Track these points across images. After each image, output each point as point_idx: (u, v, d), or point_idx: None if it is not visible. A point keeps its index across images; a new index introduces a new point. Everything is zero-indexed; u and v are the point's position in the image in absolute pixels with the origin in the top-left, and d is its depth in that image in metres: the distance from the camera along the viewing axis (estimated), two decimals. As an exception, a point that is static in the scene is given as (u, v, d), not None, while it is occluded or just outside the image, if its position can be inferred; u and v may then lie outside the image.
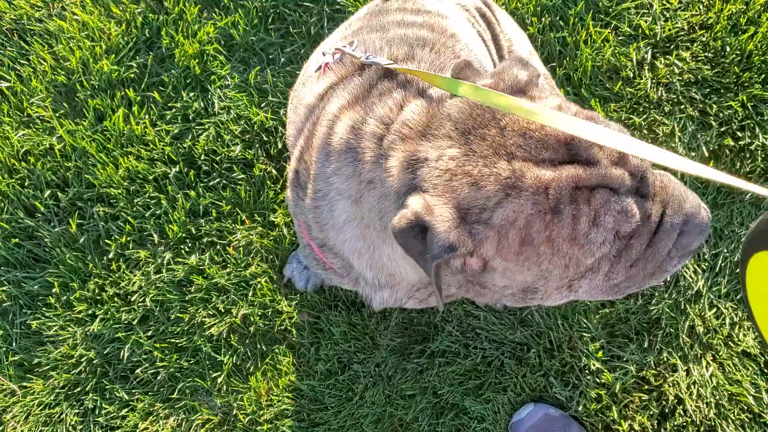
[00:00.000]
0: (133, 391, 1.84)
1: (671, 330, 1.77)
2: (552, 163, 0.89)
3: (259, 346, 1.84)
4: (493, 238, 0.90)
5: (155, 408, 1.83)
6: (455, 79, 1.00)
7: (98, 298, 1.90)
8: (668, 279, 1.78)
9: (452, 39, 1.29)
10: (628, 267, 0.96)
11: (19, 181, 1.97)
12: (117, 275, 1.90)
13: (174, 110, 2.00)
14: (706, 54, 1.91)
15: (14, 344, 1.89)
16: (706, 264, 1.80)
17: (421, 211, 0.89)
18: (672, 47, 1.93)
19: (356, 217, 1.07)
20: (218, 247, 1.90)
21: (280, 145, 1.95)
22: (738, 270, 1.79)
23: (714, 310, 1.78)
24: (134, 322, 1.86)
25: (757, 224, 0.79)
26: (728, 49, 1.88)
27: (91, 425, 1.83)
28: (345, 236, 1.11)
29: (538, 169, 0.88)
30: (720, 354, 1.76)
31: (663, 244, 0.95)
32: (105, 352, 1.86)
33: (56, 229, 1.94)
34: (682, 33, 1.93)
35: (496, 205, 0.88)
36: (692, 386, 1.74)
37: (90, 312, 1.88)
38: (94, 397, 1.84)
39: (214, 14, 2.09)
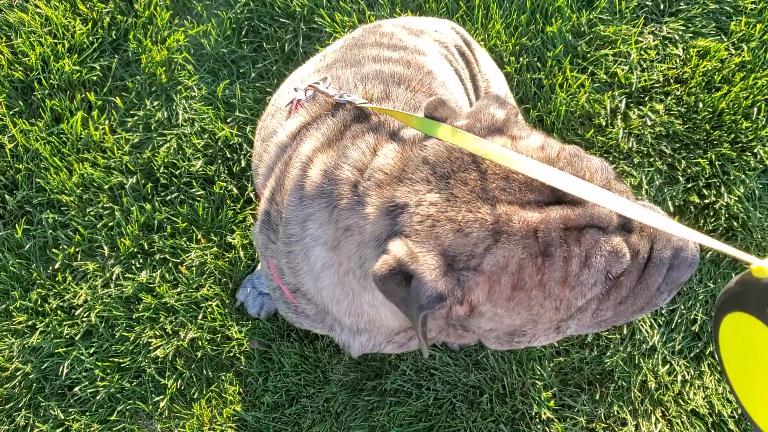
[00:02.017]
0: (70, 410, 1.76)
1: (623, 383, 1.77)
2: (538, 204, 0.87)
3: (205, 371, 1.78)
4: (483, 284, 0.87)
5: (92, 429, 1.75)
6: (430, 119, 0.97)
7: (40, 309, 1.81)
8: (624, 332, 1.78)
9: (429, 76, 1.26)
10: (617, 304, 0.95)
11: (-36, 180, 1.88)
12: (62, 287, 1.82)
13: (136, 118, 1.92)
14: (679, 108, 1.91)
15: (-55, 352, 1.79)
16: (663, 319, 1.80)
17: (405, 257, 0.85)
18: (646, 98, 1.93)
19: (334, 263, 1.02)
20: (170, 265, 1.83)
21: (243, 163, 1.89)
22: (703, 329, 1.80)
23: (667, 366, 1.78)
24: (76, 338, 1.78)
25: (731, 286, 0.78)
26: (701, 105, 1.89)
27: (22, 443, 1.75)
28: (323, 283, 1.06)
29: (524, 212, 0.86)
30: (670, 411, 1.76)
31: (653, 279, 0.93)
32: (42, 367, 1.77)
33: (0, 233, 1.84)
34: (657, 85, 1.93)
35: (486, 251, 0.85)
36: (640, 441, 1.74)
37: (30, 323, 1.80)
38: (27, 414, 1.75)
39: (185, 22, 2.01)
